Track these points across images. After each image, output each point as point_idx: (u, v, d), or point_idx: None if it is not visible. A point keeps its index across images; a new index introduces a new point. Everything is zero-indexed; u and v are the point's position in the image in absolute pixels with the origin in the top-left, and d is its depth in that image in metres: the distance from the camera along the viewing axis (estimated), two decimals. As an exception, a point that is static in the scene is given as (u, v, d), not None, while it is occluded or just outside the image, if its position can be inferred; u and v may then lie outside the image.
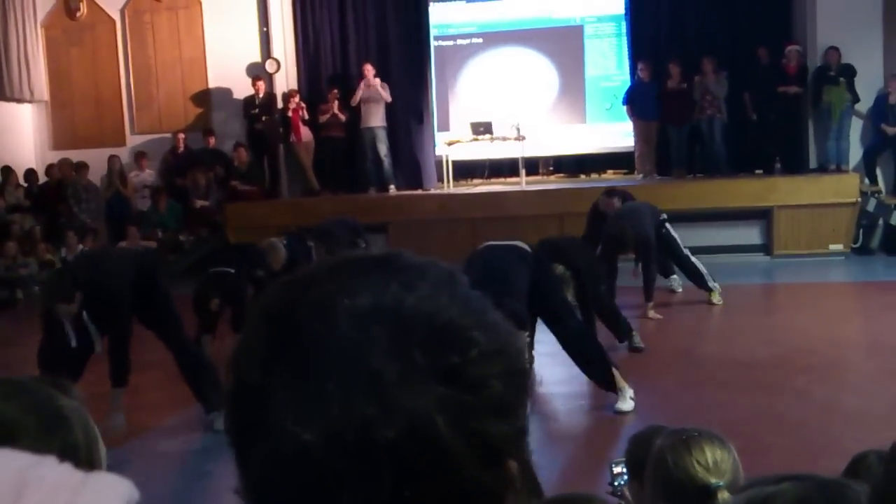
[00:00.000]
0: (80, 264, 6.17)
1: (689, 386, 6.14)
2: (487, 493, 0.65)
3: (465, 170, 13.28)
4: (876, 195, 11.50)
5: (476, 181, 13.37)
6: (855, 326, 8.15)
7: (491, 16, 13.71)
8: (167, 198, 12.84)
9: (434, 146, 13.33)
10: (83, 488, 0.75)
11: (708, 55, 12.00)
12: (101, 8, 13.88)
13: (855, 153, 11.88)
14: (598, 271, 7.07)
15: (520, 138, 12.33)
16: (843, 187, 11.15)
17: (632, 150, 12.83)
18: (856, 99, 11.64)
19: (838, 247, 11.08)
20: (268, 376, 0.64)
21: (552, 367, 6.45)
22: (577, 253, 6.73)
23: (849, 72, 11.53)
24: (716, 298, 8.65)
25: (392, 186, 12.83)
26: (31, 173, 13.38)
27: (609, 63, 13.54)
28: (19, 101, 13.82)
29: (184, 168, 13.16)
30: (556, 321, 5.69)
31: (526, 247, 5.70)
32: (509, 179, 13.15)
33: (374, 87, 12.60)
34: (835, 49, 11.53)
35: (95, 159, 13.24)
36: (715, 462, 1.85)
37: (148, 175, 13.40)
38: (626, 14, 13.25)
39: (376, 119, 12.74)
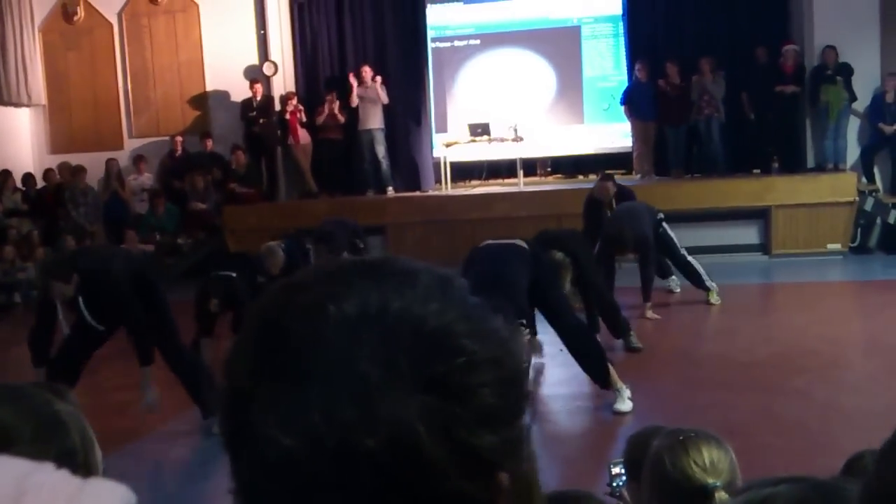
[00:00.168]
0: (82, 252, 6.24)
1: (687, 386, 6.14)
2: None
3: (463, 171, 13.28)
4: (874, 194, 11.51)
5: (474, 182, 13.38)
6: (853, 326, 8.16)
7: (488, 17, 13.72)
8: (165, 201, 12.84)
9: (432, 148, 13.34)
10: (81, 494, 0.75)
11: (705, 55, 12.01)
12: (98, 12, 13.89)
13: (852, 152, 11.89)
14: (596, 264, 7.14)
15: (517, 139, 12.34)
16: (841, 186, 11.16)
17: (630, 150, 12.84)
18: (853, 98, 11.65)
19: (836, 246, 11.09)
20: (255, 380, 0.64)
21: (551, 367, 6.46)
22: (574, 242, 6.86)
23: (846, 71, 11.54)
24: (714, 298, 8.66)
25: (390, 188, 12.83)
26: (28, 177, 13.38)
27: (606, 63, 13.55)
28: (17, 105, 13.83)
29: (181, 171, 13.17)
30: (555, 316, 5.73)
31: (524, 244, 5.75)
32: (507, 180, 13.15)
33: (372, 88, 12.61)
34: (832, 48, 11.54)
35: (93, 163, 13.25)
36: (712, 462, 1.86)
37: (146, 178, 13.40)
38: (623, 14, 13.26)
39: (374, 121, 12.75)
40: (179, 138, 13.35)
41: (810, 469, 1.39)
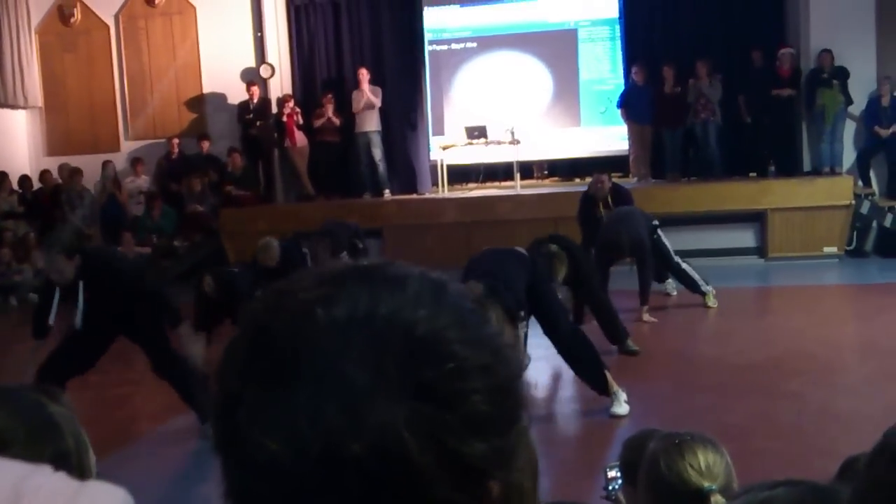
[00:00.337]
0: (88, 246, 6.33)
1: (683, 389, 6.14)
2: None
3: (460, 174, 13.29)
4: (870, 197, 11.53)
5: (471, 185, 13.38)
6: (849, 329, 8.16)
7: (485, 20, 13.73)
8: (162, 203, 12.83)
9: (429, 150, 13.34)
10: (78, 497, 0.75)
11: (702, 58, 12.02)
12: (95, 14, 13.88)
13: (848, 155, 11.90)
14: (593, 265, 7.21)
15: (514, 142, 12.34)
16: (837, 190, 11.18)
17: (626, 153, 12.85)
18: (849, 101, 11.67)
19: (832, 249, 11.10)
20: (244, 384, 0.63)
21: (547, 370, 6.45)
22: (569, 240, 6.99)
23: (842, 74, 11.56)
24: (711, 301, 8.66)
25: (387, 191, 12.83)
26: (25, 179, 13.36)
27: (603, 67, 13.57)
28: (13, 107, 13.81)
29: (178, 173, 13.16)
30: (551, 326, 5.74)
31: (523, 251, 5.84)
32: (504, 183, 13.15)
33: (366, 96, 12.60)
34: (828, 52, 11.56)
35: (89, 165, 13.24)
36: (708, 466, 1.86)
37: (143, 181, 13.39)
38: (619, 18, 13.27)
39: (371, 124, 12.76)
40: (176, 140, 13.34)
41: (806, 473, 1.39)
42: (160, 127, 13.72)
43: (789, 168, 11.96)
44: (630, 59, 12.86)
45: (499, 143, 12.46)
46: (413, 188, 13.13)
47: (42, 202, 13.08)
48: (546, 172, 13.82)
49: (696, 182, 12.14)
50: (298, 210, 12.21)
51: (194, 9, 13.56)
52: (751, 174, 12.26)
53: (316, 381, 0.61)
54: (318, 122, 12.86)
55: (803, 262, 10.87)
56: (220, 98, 13.51)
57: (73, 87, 13.96)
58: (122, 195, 13.23)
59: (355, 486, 0.59)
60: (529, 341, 6.26)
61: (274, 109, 13.17)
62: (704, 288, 8.67)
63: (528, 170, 13.31)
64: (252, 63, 13.40)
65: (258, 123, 13.02)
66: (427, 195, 12.93)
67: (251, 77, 13.22)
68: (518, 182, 12.47)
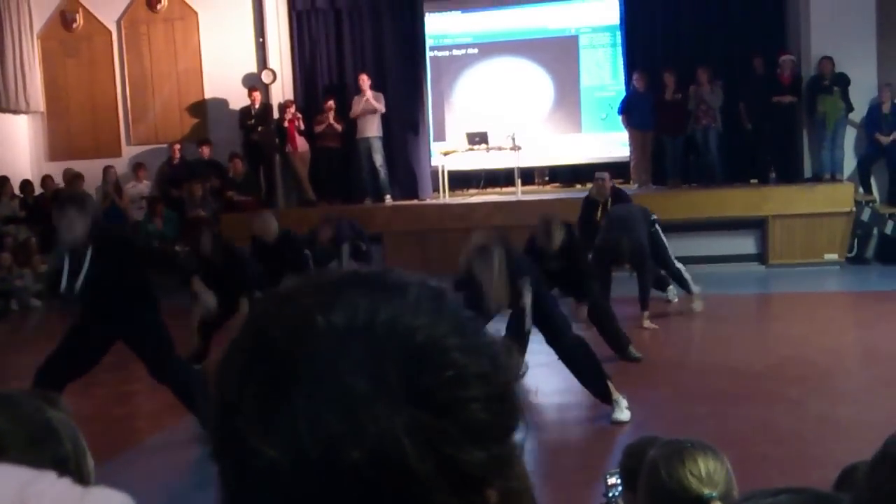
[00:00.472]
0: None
1: (683, 396, 6.14)
2: None
3: (461, 180, 13.30)
4: (870, 204, 11.53)
5: (472, 191, 13.39)
6: (850, 336, 8.15)
7: (486, 26, 13.75)
8: (163, 208, 12.84)
9: (430, 156, 13.35)
10: (82, 503, 0.75)
11: (703, 65, 12.03)
12: (97, 19, 13.90)
13: (849, 162, 11.90)
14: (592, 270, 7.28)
15: (515, 148, 12.35)
16: (838, 197, 11.18)
17: (627, 159, 12.85)
18: (850, 108, 11.66)
19: (833, 256, 11.10)
20: (242, 391, 0.63)
21: (548, 377, 6.45)
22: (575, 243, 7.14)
23: (842, 81, 11.56)
24: (696, 304, 8.63)
25: (388, 196, 12.84)
26: (26, 184, 13.37)
27: (604, 73, 13.59)
28: (15, 111, 13.83)
29: (180, 179, 13.16)
30: (554, 336, 5.77)
31: (528, 259, 5.97)
32: (505, 189, 13.16)
33: (368, 101, 12.61)
34: (828, 59, 11.56)
35: (91, 170, 13.25)
36: (708, 473, 1.85)
37: (144, 186, 13.39)
38: (620, 24, 13.29)
39: (372, 129, 12.76)
40: (178, 146, 13.34)
41: (806, 480, 1.39)
42: (162, 132, 13.73)
43: (790, 175, 11.96)
44: (631, 65, 12.87)
45: (500, 149, 12.47)
46: (414, 194, 13.14)
47: (43, 207, 13.05)
48: (547, 178, 13.83)
49: (697, 188, 12.15)
50: (300, 215, 12.20)
51: (196, 14, 13.58)
52: (751, 181, 12.26)
53: (315, 388, 0.61)
54: (320, 128, 12.87)
55: (804, 269, 10.87)
56: (221, 103, 13.52)
57: (74, 93, 13.98)
58: (124, 200, 13.24)
59: (354, 494, 0.59)
60: (530, 347, 6.25)
61: (275, 115, 13.18)
62: (693, 287, 8.64)
63: (529, 176, 13.32)
64: (254, 69, 13.41)
65: (259, 129, 13.03)
66: (428, 201, 12.94)
67: (253, 83, 13.23)
68: (519, 188, 12.48)
